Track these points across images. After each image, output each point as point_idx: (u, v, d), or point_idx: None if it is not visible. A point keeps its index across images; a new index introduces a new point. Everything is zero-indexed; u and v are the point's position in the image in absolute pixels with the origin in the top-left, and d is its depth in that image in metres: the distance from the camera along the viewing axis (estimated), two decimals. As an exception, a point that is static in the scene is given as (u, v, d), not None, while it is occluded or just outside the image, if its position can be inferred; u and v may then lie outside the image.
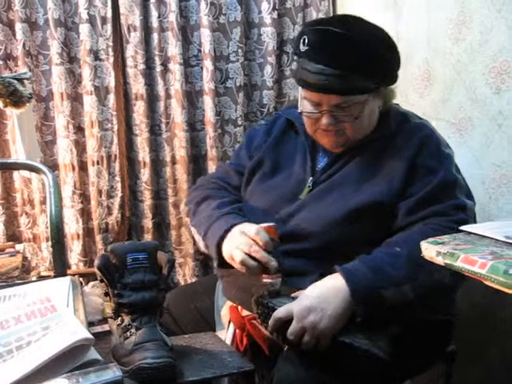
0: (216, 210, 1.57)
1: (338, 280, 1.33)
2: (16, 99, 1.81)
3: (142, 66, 2.47)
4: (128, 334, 1.24)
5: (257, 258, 1.38)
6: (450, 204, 1.43)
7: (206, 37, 2.48)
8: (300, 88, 1.53)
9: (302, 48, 1.44)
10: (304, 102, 1.52)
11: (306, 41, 1.43)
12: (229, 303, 1.58)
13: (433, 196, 1.43)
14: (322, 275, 1.40)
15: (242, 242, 1.40)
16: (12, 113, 2.04)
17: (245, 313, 1.52)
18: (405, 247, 1.34)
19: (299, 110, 1.53)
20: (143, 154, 2.54)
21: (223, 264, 1.50)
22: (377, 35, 1.46)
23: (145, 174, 2.55)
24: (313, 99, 1.48)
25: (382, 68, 1.45)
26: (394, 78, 1.51)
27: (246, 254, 1.39)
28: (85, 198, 2.52)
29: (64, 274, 1.64)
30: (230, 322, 1.56)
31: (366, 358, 1.27)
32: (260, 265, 1.39)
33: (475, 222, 1.46)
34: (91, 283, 2.38)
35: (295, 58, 1.52)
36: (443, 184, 1.45)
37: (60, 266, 1.69)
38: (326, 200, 1.49)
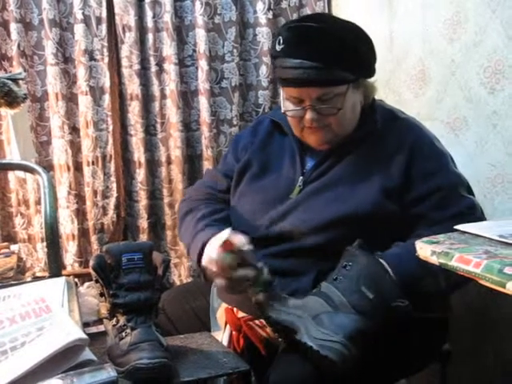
0: (197, 223, 1.58)
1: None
2: (10, 100, 1.81)
3: (137, 66, 2.47)
4: (123, 334, 1.24)
5: (233, 279, 1.39)
6: (463, 205, 1.46)
7: (200, 37, 2.48)
8: (281, 90, 1.55)
9: (278, 48, 1.46)
10: (286, 102, 1.53)
11: (281, 40, 1.45)
12: (224, 305, 1.58)
13: (444, 200, 1.46)
14: (320, 273, 1.41)
15: (214, 271, 1.42)
16: (6, 113, 2.03)
17: (240, 314, 1.52)
18: None
19: (282, 111, 1.54)
20: (138, 154, 2.53)
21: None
22: (350, 28, 1.49)
23: (140, 174, 2.55)
24: (294, 95, 1.49)
25: (358, 59, 1.47)
26: (371, 71, 1.54)
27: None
28: (80, 198, 2.51)
29: (59, 275, 1.63)
30: (226, 324, 1.56)
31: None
32: (240, 281, 1.40)
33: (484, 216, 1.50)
34: (86, 284, 2.37)
35: (273, 61, 1.54)
36: (451, 186, 1.48)
37: (55, 267, 1.68)
38: (320, 200, 1.49)
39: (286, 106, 1.53)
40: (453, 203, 1.45)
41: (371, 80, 1.56)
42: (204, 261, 1.46)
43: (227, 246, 1.37)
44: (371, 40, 1.51)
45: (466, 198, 1.49)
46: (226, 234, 1.39)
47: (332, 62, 1.42)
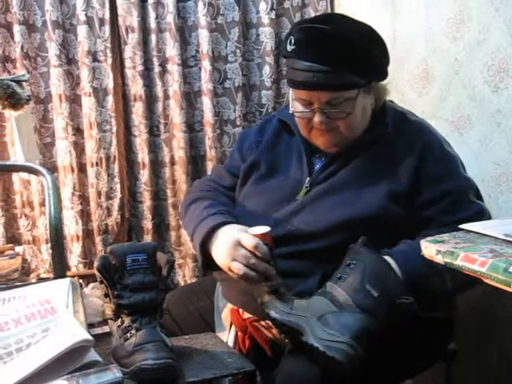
0: (204, 210, 1.55)
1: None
2: (14, 101, 1.81)
3: (140, 67, 2.47)
4: (128, 335, 1.24)
5: (257, 270, 1.37)
6: (472, 210, 1.45)
7: (203, 37, 2.48)
8: (290, 89, 1.53)
9: (289, 48, 1.44)
10: (295, 103, 1.51)
11: (293, 40, 1.43)
12: (229, 305, 1.57)
13: (453, 204, 1.45)
14: (325, 275, 1.40)
15: (239, 254, 1.38)
16: (10, 115, 2.04)
17: (246, 315, 1.51)
18: None
19: (290, 111, 1.53)
20: (142, 155, 2.53)
21: (208, 265, 1.49)
22: (363, 31, 1.46)
23: (144, 175, 2.55)
24: (303, 98, 1.47)
25: (370, 63, 1.44)
26: (383, 74, 1.51)
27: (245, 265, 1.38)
28: (84, 199, 2.52)
29: (63, 276, 1.64)
30: (231, 325, 1.55)
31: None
32: (260, 275, 1.38)
33: None
34: (91, 285, 2.37)
35: (284, 60, 1.52)
36: (460, 191, 1.47)
37: (59, 268, 1.69)
38: (326, 202, 1.49)
39: (295, 106, 1.52)
40: (462, 208, 1.45)
41: (383, 82, 1.54)
42: (223, 243, 1.42)
43: (265, 237, 1.38)
44: (384, 42, 1.48)
45: (475, 203, 1.48)
46: (266, 227, 1.40)
47: (342, 66, 1.40)
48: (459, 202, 1.45)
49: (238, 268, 1.38)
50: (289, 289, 1.41)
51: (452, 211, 1.44)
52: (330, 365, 1.24)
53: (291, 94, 1.53)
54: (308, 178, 1.54)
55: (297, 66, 1.43)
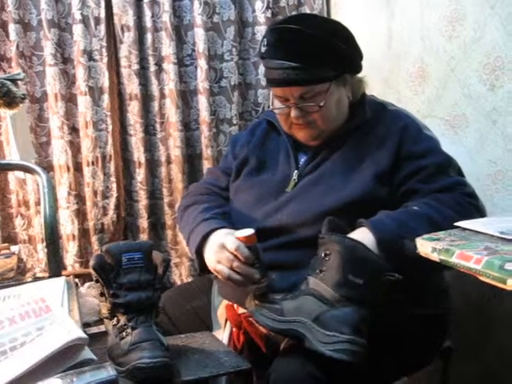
0: (199, 215, 1.60)
1: (363, 231, 1.34)
2: (9, 100, 1.80)
3: (136, 66, 2.47)
4: (124, 334, 1.24)
5: (240, 273, 1.40)
6: (453, 181, 1.47)
7: (199, 36, 2.48)
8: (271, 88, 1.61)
9: (263, 49, 1.52)
10: (274, 100, 1.60)
11: (265, 42, 1.51)
12: (225, 302, 1.58)
13: (433, 176, 1.46)
14: None
15: (223, 257, 1.42)
16: (5, 114, 2.03)
17: (241, 310, 1.52)
18: (423, 208, 1.37)
19: (271, 109, 1.62)
20: (138, 154, 2.53)
21: (205, 269, 1.52)
22: (329, 28, 1.52)
23: (140, 174, 2.55)
24: (279, 95, 1.55)
25: (338, 57, 1.50)
26: (355, 67, 1.58)
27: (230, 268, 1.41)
28: (80, 198, 2.51)
29: (59, 275, 1.63)
30: (226, 321, 1.56)
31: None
32: (245, 278, 1.40)
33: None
34: (87, 284, 2.37)
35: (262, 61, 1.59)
36: (439, 166, 1.48)
37: (55, 267, 1.68)
38: (315, 192, 1.52)
39: (274, 104, 1.59)
40: (442, 178, 1.46)
41: (360, 75, 1.60)
42: (211, 247, 1.47)
43: (249, 240, 1.40)
44: (353, 37, 1.54)
45: (455, 177, 1.49)
46: (251, 230, 1.41)
47: (309, 62, 1.47)
48: (438, 175, 1.47)
49: (221, 270, 1.43)
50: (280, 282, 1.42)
51: (432, 181, 1.45)
52: (338, 366, 1.23)
53: (271, 92, 1.61)
54: (296, 171, 1.59)
55: (270, 64, 1.51)
